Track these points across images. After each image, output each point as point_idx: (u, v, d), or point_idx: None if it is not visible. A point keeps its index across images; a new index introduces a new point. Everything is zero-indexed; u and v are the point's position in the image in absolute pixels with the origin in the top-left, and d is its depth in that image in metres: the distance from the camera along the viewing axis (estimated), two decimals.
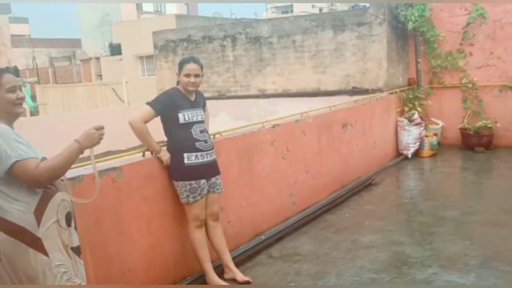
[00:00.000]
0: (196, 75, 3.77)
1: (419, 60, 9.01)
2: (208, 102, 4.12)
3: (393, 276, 3.93)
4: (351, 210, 5.78)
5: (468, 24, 8.63)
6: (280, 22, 9.66)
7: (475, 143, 8.52)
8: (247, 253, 4.42)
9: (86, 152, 2.51)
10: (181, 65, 3.81)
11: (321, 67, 8.80)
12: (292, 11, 40.72)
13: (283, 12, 40.67)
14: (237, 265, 4.06)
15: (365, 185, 6.69)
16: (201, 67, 3.84)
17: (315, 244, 4.74)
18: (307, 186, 5.69)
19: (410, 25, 8.42)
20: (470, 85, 8.76)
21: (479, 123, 8.55)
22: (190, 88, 3.77)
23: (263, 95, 9.65)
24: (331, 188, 6.16)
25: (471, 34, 8.64)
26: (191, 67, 3.76)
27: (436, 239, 4.69)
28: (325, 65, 8.77)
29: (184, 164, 3.67)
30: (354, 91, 8.53)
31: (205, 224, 3.88)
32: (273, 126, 5.17)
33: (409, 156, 8.27)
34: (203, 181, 3.75)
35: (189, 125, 3.71)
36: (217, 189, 3.89)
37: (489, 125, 8.48)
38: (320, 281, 3.94)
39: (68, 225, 2.45)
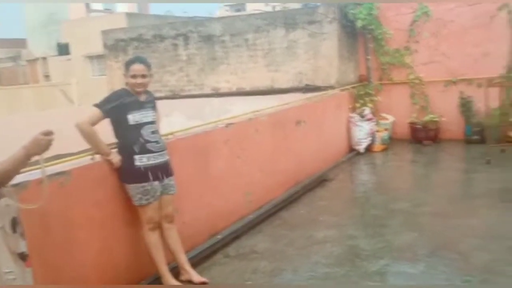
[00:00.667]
0: (143, 76, 3.70)
1: (368, 57, 9.25)
2: (161, 102, 4.07)
3: (347, 269, 4.01)
4: (306, 207, 5.86)
5: (413, 22, 8.93)
6: (232, 20, 9.66)
7: (423, 136, 8.84)
8: (204, 254, 4.40)
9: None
10: (127, 66, 3.73)
11: (274, 65, 8.87)
12: (245, 9, 40.78)
13: (236, 11, 40.66)
14: (194, 266, 4.03)
15: (319, 181, 6.79)
16: (148, 67, 3.76)
17: (271, 241, 4.78)
18: (262, 184, 5.72)
19: (359, 23, 8.63)
20: (417, 81, 9.07)
21: (426, 118, 8.88)
22: (138, 89, 3.71)
23: (217, 94, 9.62)
24: (286, 186, 6.21)
25: (417, 31, 8.94)
26: (137, 67, 3.69)
27: (388, 231, 4.83)
28: (278, 63, 8.84)
29: (135, 166, 3.61)
30: (307, 89, 8.64)
31: (160, 226, 3.82)
32: (227, 125, 5.16)
33: (362, 151, 8.47)
34: (156, 182, 3.69)
35: (139, 126, 3.64)
36: (171, 191, 3.84)
37: (436, 119, 8.81)
38: (276, 278, 3.97)
39: (14, 231, 2.36)
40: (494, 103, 8.01)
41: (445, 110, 8.89)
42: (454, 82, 8.82)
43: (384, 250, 4.33)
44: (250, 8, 38.88)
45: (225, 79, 9.51)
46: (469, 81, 8.67)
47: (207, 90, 9.77)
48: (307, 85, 8.68)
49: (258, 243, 4.74)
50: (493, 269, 3.83)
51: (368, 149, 8.57)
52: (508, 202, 5.52)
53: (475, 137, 8.50)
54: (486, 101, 7.60)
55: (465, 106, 8.71)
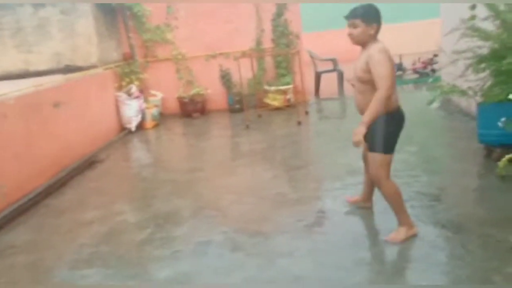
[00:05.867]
0: None
1: (130, 34, 9.19)
2: None
3: (113, 245, 4.00)
4: (75, 191, 5.63)
5: None
6: None
7: (192, 109, 9.29)
8: None
9: None
10: None
11: (26, 46, 8.08)
12: None
13: None
14: None
15: (89, 163, 6.58)
16: None
17: (33, 232, 4.46)
18: (19, 173, 5.24)
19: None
20: (180, 57, 9.42)
21: (193, 91, 9.32)
22: None
23: None
24: (50, 172, 5.83)
25: (174, 8, 9.23)
26: None
27: (156, 201, 4.96)
28: (30, 44, 8.08)
29: None
30: (68, 70, 8.15)
31: None
32: None
33: (133, 129, 8.47)
34: None
35: None
36: None
37: (201, 92, 9.33)
38: (37, 270, 3.73)
39: None
40: (249, 73, 8.86)
41: (209, 83, 9.47)
42: (214, 56, 9.43)
43: (150, 219, 4.45)
44: None
45: None
46: (226, 55, 9.37)
47: None
48: (67, 65, 8.18)
49: (19, 237, 4.38)
50: (246, 218, 4.30)
51: (140, 126, 8.62)
52: (262, 160, 6.23)
53: (236, 106, 9.31)
54: (241, 73, 8.33)
55: (225, 78, 9.42)
